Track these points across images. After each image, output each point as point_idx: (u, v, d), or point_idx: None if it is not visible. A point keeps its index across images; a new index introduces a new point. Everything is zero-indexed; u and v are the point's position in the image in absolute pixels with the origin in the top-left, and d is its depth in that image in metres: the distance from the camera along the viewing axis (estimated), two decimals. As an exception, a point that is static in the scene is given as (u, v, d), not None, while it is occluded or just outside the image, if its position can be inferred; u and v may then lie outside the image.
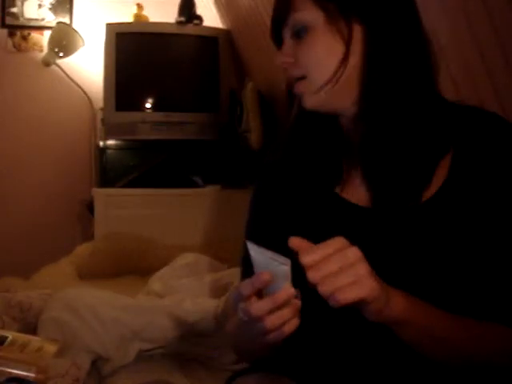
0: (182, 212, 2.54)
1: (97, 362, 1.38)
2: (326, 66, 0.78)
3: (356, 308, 0.73)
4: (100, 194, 2.57)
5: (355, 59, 0.78)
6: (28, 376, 0.91)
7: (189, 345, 1.46)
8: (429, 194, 0.80)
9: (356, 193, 0.85)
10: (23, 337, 1.05)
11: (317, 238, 0.78)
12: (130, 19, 2.95)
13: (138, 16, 2.95)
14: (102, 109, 2.85)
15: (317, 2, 0.77)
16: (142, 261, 2.30)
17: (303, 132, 0.87)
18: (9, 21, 2.96)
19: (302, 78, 0.80)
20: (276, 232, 0.87)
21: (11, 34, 2.98)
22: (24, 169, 3.06)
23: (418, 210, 0.80)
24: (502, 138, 0.79)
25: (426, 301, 0.77)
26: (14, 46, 2.99)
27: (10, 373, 0.91)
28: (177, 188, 2.66)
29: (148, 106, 2.83)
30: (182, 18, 2.80)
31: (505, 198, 0.78)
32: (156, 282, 1.86)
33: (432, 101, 0.80)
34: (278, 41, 0.82)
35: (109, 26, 2.73)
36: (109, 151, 2.80)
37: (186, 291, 1.69)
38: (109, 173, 2.78)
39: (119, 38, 2.72)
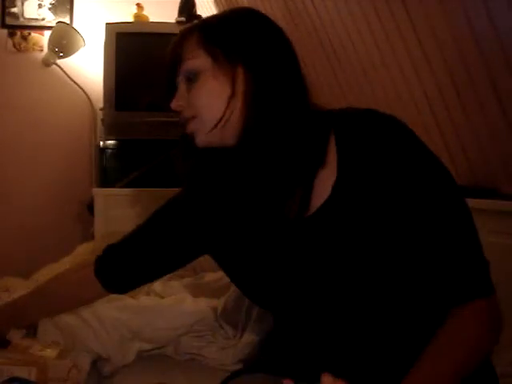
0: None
1: (97, 363, 1.38)
2: (214, 105, 0.84)
3: (332, 307, 0.79)
4: (100, 194, 2.56)
5: (239, 98, 0.84)
6: (29, 377, 0.92)
7: (189, 345, 1.46)
8: (323, 198, 0.84)
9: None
10: (25, 340, 1.06)
11: (237, 248, 0.90)
12: (130, 19, 2.95)
13: (138, 16, 2.95)
14: (101, 109, 2.85)
15: (205, 48, 0.85)
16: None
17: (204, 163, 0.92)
18: (9, 21, 2.97)
19: (193, 118, 0.86)
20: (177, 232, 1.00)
21: (11, 34, 2.99)
22: (24, 169, 3.06)
23: (316, 214, 0.84)
24: (377, 127, 0.82)
25: (358, 301, 0.82)
26: (14, 46, 2.99)
27: (12, 373, 0.91)
28: (177, 188, 2.65)
29: (148, 106, 2.83)
30: (182, 18, 2.80)
31: (398, 176, 0.81)
32: (156, 282, 1.86)
33: (304, 124, 0.85)
34: (173, 89, 0.90)
35: (109, 25, 2.73)
36: (109, 151, 2.80)
37: (185, 291, 1.69)
38: (109, 173, 2.78)
39: (119, 38, 2.72)
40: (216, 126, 0.84)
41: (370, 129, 0.82)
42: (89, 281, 1.10)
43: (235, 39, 0.86)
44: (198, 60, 0.86)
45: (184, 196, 1.00)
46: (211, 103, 0.85)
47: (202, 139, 0.87)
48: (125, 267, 1.08)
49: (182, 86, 0.88)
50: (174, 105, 0.88)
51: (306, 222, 0.84)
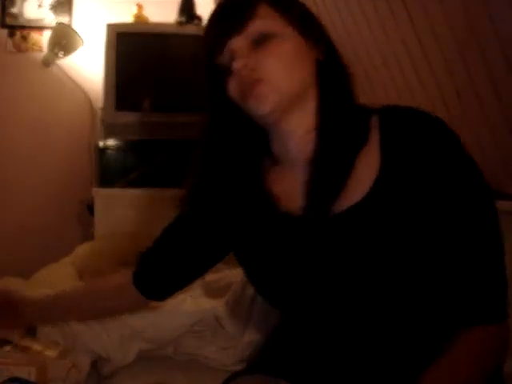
0: (181, 212, 2.54)
1: (97, 363, 1.38)
2: (289, 67, 0.82)
3: (347, 311, 0.76)
4: (100, 194, 2.56)
5: (310, 73, 0.84)
6: (29, 377, 0.92)
7: (188, 345, 1.46)
8: (360, 196, 0.81)
9: (290, 201, 0.87)
10: (25, 340, 1.06)
11: (254, 247, 0.88)
12: (130, 19, 2.95)
13: (138, 16, 2.95)
14: (101, 109, 2.85)
15: (279, 11, 0.83)
16: (142, 261, 2.30)
17: (225, 145, 0.92)
18: (9, 21, 2.96)
19: (263, 81, 0.82)
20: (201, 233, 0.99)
21: (11, 34, 2.98)
22: (24, 169, 3.06)
23: (349, 213, 0.82)
24: (424, 128, 0.81)
25: (375, 303, 0.80)
26: (14, 46, 2.99)
27: (12, 373, 0.91)
28: (177, 188, 2.65)
29: (148, 106, 2.83)
30: (182, 18, 2.80)
31: (438, 185, 0.79)
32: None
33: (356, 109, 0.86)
34: (220, 48, 0.85)
35: (109, 26, 2.73)
36: (109, 151, 2.79)
37: (186, 291, 1.69)
38: (109, 173, 2.78)
39: (119, 38, 2.71)
40: (286, 90, 0.82)
41: (416, 129, 0.81)
42: (127, 290, 1.10)
43: (308, 14, 0.86)
44: (272, 22, 0.83)
45: (204, 193, 0.97)
46: (287, 65, 0.82)
47: (270, 103, 0.82)
48: (161, 274, 1.08)
49: (243, 47, 0.83)
50: (239, 64, 0.82)
51: (339, 218, 0.82)
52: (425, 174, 0.79)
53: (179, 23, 2.80)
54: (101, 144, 2.79)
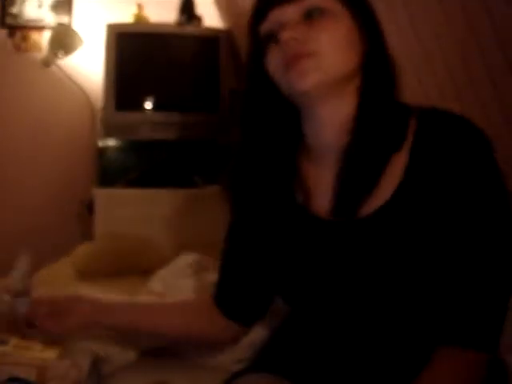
0: (181, 212, 2.54)
1: (97, 362, 1.38)
2: (339, 47, 0.79)
3: (357, 312, 0.75)
4: (100, 194, 2.56)
5: (358, 54, 0.81)
6: (29, 377, 0.91)
7: (189, 345, 1.46)
8: (383, 199, 0.80)
9: (318, 203, 0.85)
10: (26, 341, 1.06)
11: (282, 248, 0.86)
12: (130, 19, 2.95)
13: (138, 16, 2.95)
14: (102, 109, 2.85)
15: None
16: (142, 261, 2.30)
17: (263, 137, 0.87)
18: (9, 21, 2.97)
19: (312, 55, 0.78)
20: (251, 237, 0.92)
21: (11, 34, 2.98)
22: (24, 169, 3.06)
23: (374, 216, 0.80)
24: (462, 138, 0.79)
25: (389, 306, 0.79)
26: (14, 47, 2.99)
27: (12, 373, 0.91)
28: (177, 188, 2.66)
29: (148, 106, 2.83)
30: (182, 18, 2.80)
31: (462, 198, 0.78)
32: (156, 282, 1.86)
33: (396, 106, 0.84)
34: (268, 15, 0.81)
35: (109, 26, 2.74)
36: (109, 151, 2.80)
37: (186, 291, 1.69)
38: (109, 173, 2.78)
39: (120, 39, 2.72)
40: (333, 66, 0.78)
41: (451, 137, 0.78)
42: (207, 310, 1.02)
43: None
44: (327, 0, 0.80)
45: (242, 198, 0.93)
46: (337, 44, 0.79)
47: (313, 78, 0.78)
48: (239, 290, 1.00)
49: (294, 17, 0.79)
50: (286, 35, 0.78)
51: (364, 222, 0.80)
52: (448, 183, 0.78)
53: (179, 23, 2.80)
54: (101, 144, 2.80)
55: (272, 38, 0.80)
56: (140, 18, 2.95)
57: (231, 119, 2.87)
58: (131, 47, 2.79)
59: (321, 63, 0.78)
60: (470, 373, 0.76)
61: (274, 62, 0.81)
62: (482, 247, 0.77)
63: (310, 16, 0.78)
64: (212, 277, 1.79)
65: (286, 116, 0.87)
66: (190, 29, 2.82)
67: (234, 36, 2.93)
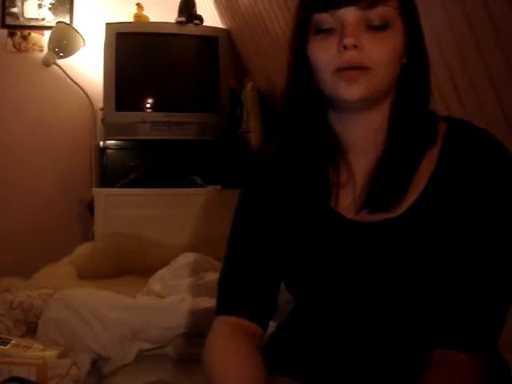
0: (182, 212, 2.54)
1: (97, 362, 1.38)
2: (391, 61, 0.79)
3: (353, 308, 0.75)
4: (100, 194, 2.56)
5: (398, 70, 0.81)
6: (29, 376, 0.92)
7: (189, 345, 1.46)
8: (409, 201, 0.81)
9: (343, 203, 0.86)
10: (26, 340, 1.06)
11: (303, 245, 0.85)
12: (130, 19, 2.95)
13: (138, 16, 2.96)
14: (102, 109, 2.86)
15: (400, 4, 0.79)
16: (142, 261, 2.30)
17: (297, 135, 0.87)
18: (9, 21, 2.97)
19: (365, 69, 0.77)
20: (264, 231, 0.89)
21: (11, 34, 2.99)
22: (24, 169, 3.06)
23: (398, 219, 0.81)
24: (487, 153, 0.79)
25: (397, 306, 0.80)
26: (14, 46, 2.99)
27: (12, 373, 0.91)
28: (177, 188, 2.66)
29: (148, 106, 2.83)
30: (182, 18, 2.80)
31: (478, 211, 0.79)
32: (156, 282, 1.86)
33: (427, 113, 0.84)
34: (332, 7, 0.78)
35: (109, 25, 2.74)
36: (109, 151, 2.80)
37: (186, 291, 1.69)
38: (109, 173, 2.78)
39: (119, 38, 2.72)
40: (383, 89, 0.79)
41: (478, 151, 0.79)
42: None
43: (416, 12, 0.82)
44: (393, 11, 0.78)
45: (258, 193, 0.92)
46: (391, 60, 0.78)
47: (362, 90, 0.77)
48: (255, 294, 0.91)
49: (359, 23, 0.77)
50: (351, 40, 0.76)
51: (387, 223, 0.81)
52: (469, 195, 0.79)
53: (179, 23, 2.80)
54: (101, 144, 2.80)
55: (326, 30, 0.79)
56: (140, 18, 2.95)
57: (231, 119, 2.88)
58: (131, 47, 2.79)
59: (372, 77, 0.78)
60: (470, 378, 0.76)
61: (321, 54, 0.80)
62: (491, 254, 0.78)
63: (375, 27, 0.78)
64: (210, 276, 1.80)
65: (317, 108, 0.86)
66: (189, 29, 2.83)
67: (233, 36, 2.93)
